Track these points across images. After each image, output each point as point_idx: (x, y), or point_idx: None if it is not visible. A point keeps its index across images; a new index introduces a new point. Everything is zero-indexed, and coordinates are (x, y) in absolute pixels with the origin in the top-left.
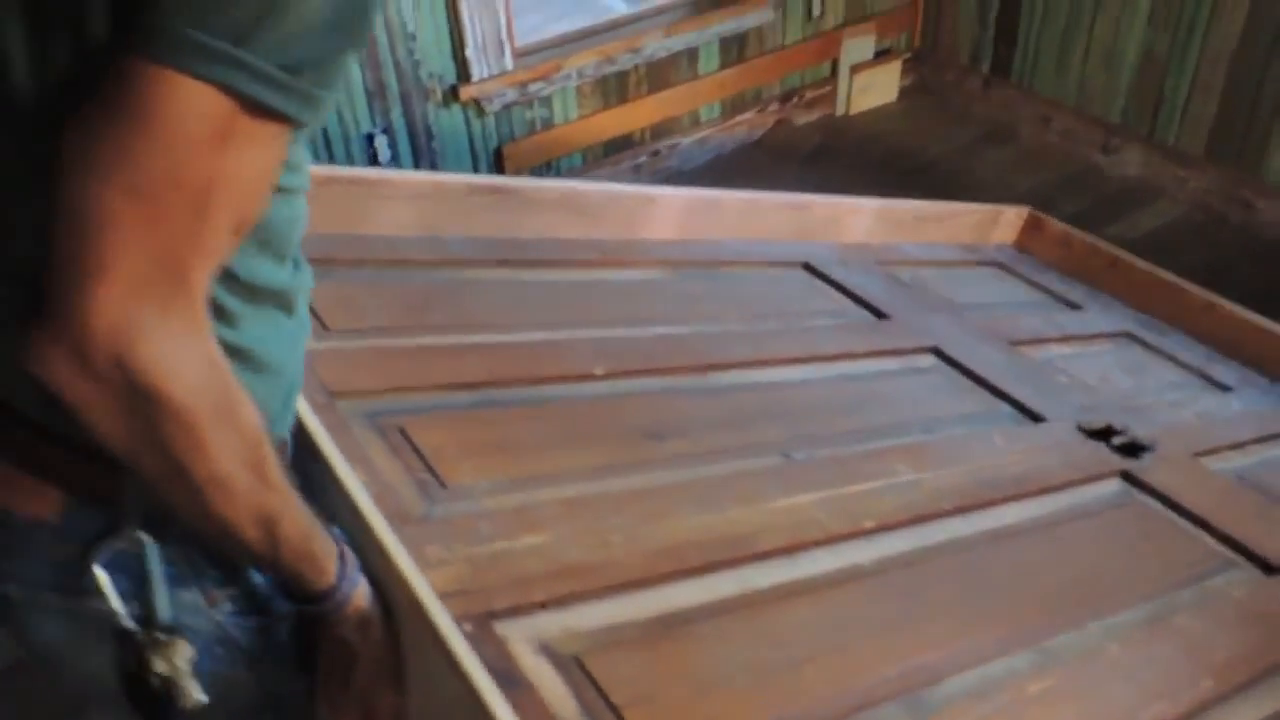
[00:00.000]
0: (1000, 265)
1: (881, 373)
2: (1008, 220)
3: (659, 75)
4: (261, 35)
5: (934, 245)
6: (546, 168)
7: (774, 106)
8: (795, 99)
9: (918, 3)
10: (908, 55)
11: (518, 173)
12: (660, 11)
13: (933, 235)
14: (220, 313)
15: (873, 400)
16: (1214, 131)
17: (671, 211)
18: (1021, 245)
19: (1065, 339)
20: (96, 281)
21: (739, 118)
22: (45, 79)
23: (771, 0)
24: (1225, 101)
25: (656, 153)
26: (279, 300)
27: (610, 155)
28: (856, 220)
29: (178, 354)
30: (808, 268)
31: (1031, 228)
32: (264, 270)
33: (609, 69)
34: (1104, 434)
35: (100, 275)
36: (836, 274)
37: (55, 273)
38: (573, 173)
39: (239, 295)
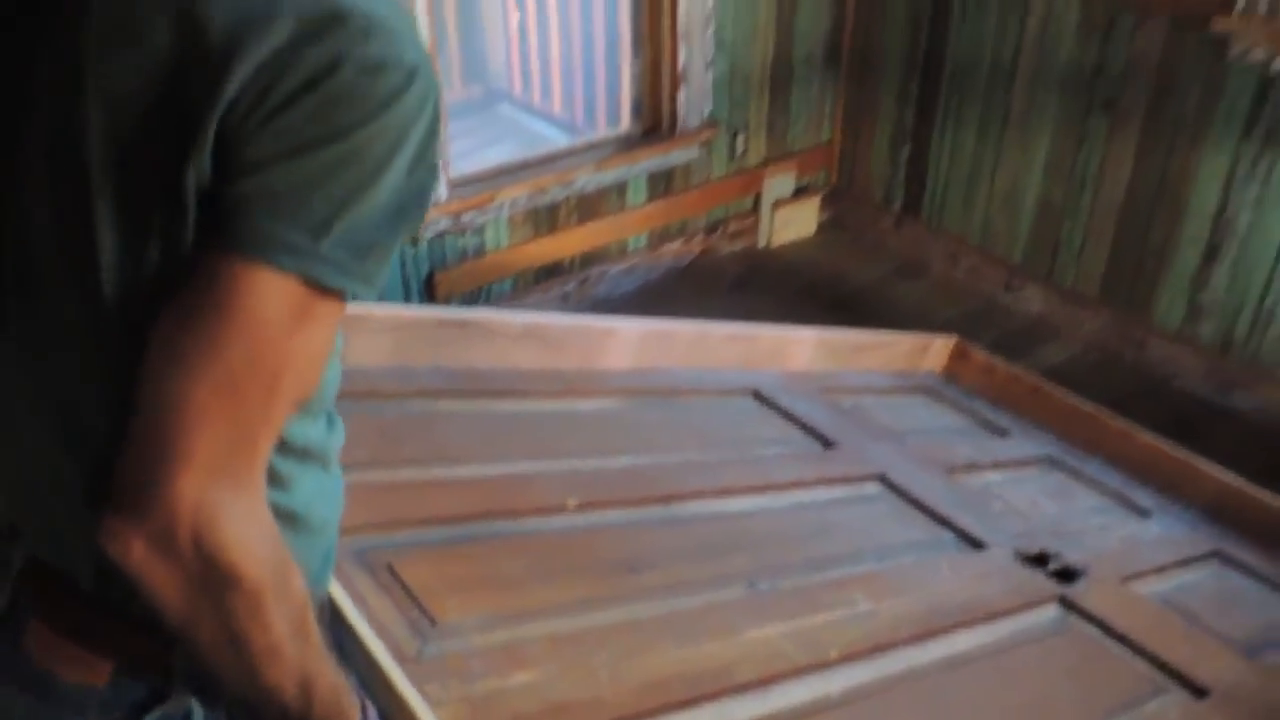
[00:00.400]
0: (931, 392)
1: (832, 501)
2: (936, 349)
3: (589, 206)
4: (335, 228)
5: (870, 373)
6: (477, 294)
7: (699, 237)
8: (719, 230)
9: (835, 144)
10: (826, 192)
11: (448, 298)
12: (592, 147)
13: (868, 363)
14: (272, 477)
15: (827, 529)
16: (1106, 275)
17: (628, 342)
18: (949, 373)
19: (996, 465)
20: (180, 468)
21: (665, 248)
22: (135, 280)
23: (698, 139)
24: (1115, 248)
25: (585, 280)
26: (321, 459)
27: (540, 282)
28: (799, 350)
29: (249, 530)
30: (756, 395)
31: (958, 356)
32: (310, 431)
33: (541, 200)
34: (1039, 560)
35: (184, 462)
36: (783, 401)
37: (137, 458)
38: (503, 299)
39: (290, 458)
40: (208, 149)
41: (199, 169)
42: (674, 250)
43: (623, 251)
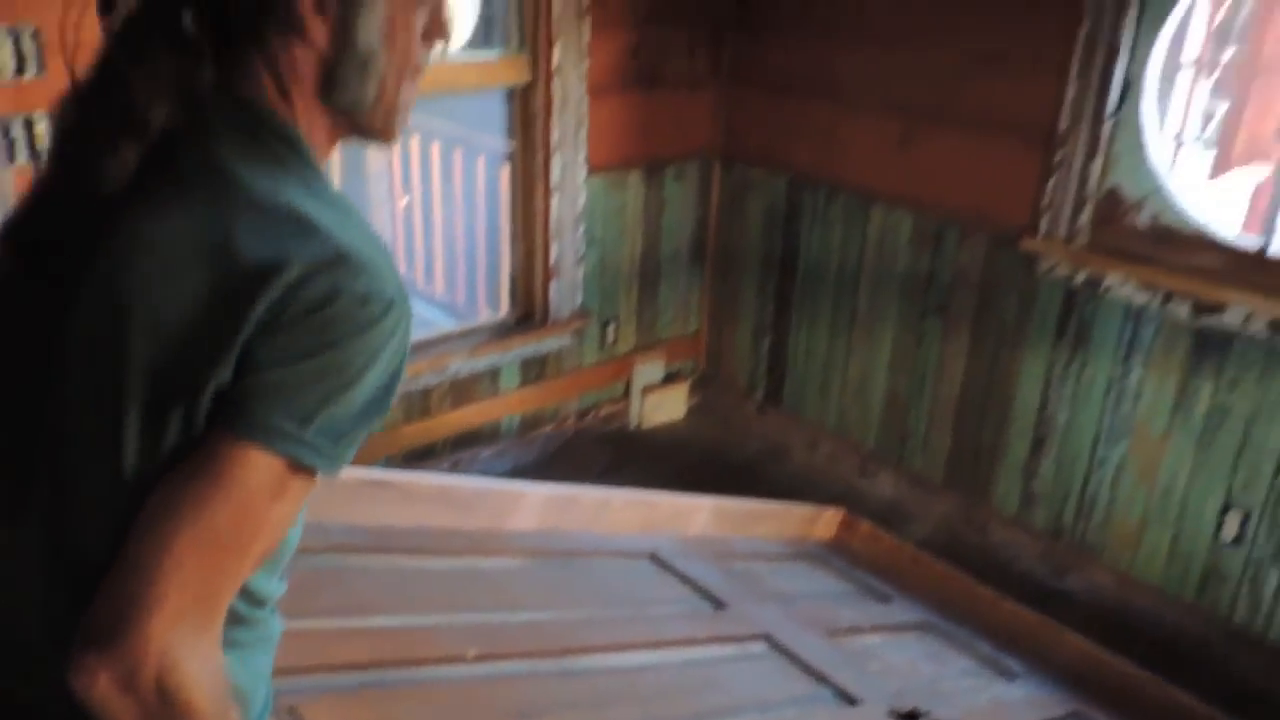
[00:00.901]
0: (818, 559)
1: (721, 658)
2: (826, 519)
3: (462, 391)
4: (318, 420)
5: (762, 540)
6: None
7: (571, 421)
8: (591, 414)
9: (702, 334)
10: (694, 379)
11: None
12: (466, 334)
13: (761, 531)
14: (229, 618)
15: (714, 684)
16: (949, 463)
17: (534, 505)
18: (837, 542)
19: (876, 629)
20: (152, 612)
21: (537, 432)
22: (153, 458)
23: (569, 328)
24: (956, 438)
25: (457, 463)
26: (270, 604)
27: (411, 464)
28: (696, 516)
29: (205, 670)
30: (654, 558)
31: (845, 527)
32: (266, 583)
33: (414, 385)
34: (911, 716)
35: (157, 607)
36: (679, 564)
37: (113, 599)
38: None
39: (246, 603)
40: (232, 363)
41: (220, 376)
42: (546, 433)
43: (495, 435)
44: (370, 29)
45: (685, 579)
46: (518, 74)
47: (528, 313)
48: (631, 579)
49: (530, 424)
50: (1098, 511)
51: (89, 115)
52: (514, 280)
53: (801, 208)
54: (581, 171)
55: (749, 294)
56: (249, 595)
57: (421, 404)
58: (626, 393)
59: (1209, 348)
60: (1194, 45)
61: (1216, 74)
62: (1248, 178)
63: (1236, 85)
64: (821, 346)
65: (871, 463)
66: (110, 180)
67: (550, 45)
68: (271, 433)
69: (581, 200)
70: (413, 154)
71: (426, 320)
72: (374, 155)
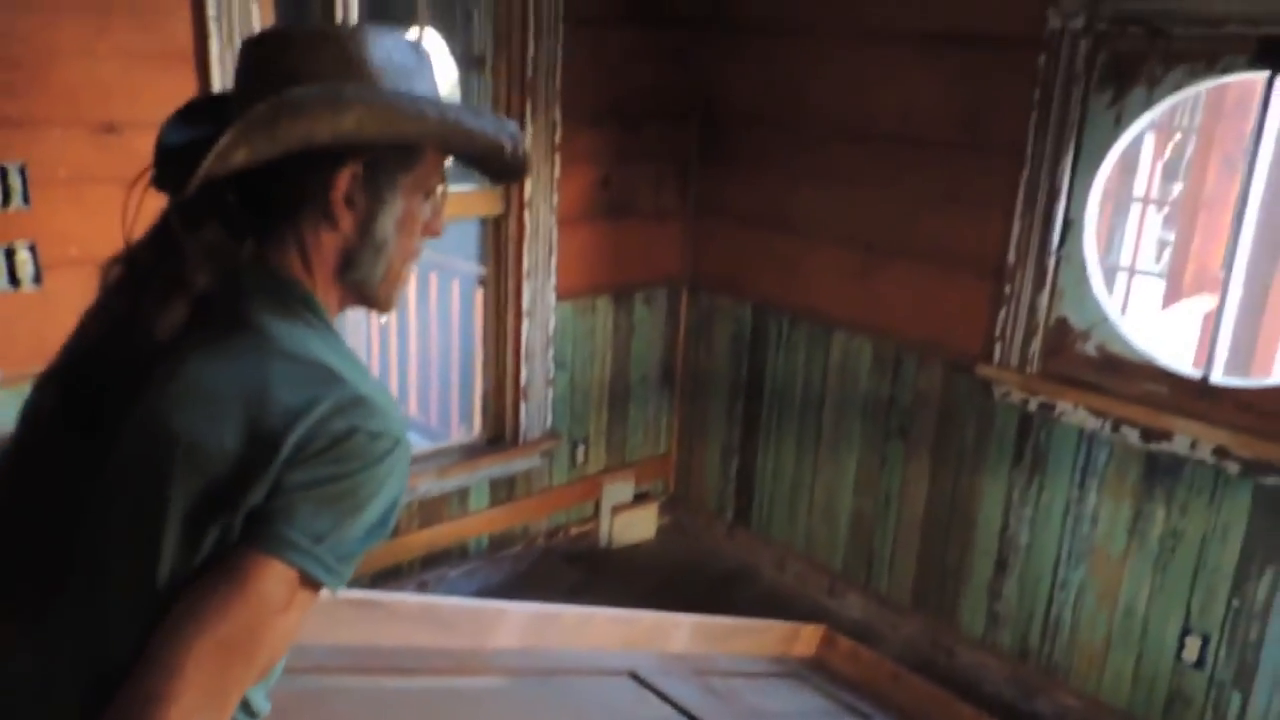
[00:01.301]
0: (799, 676)
1: None
2: (806, 636)
3: (431, 511)
4: (329, 539)
5: (742, 657)
6: None
7: (540, 541)
8: (561, 534)
9: (671, 455)
10: (664, 499)
11: None
12: (436, 454)
13: (741, 648)
14: None
15: None
16: (916, 584)
17: (517, 623)
18: (818, 658)
19: None
20: (169, 708)
21: (506, 551)
22: (187, 569)
23: (539, 449)
24: (921, 560)
25: (424, 583)
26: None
27: (377, 585)
28: (676, 633)
29: None
30: (634, 676)
31: (826, 643)
32: (259, 698)
33: None
34: None
35: (174, 703)
36: (659, 682)
37: (133, 695)
38: None
39: (244, 713)
40: (265, 489)
41: (253, 499)
42: (515, 553)
43: (463, 554)
44: (389, 223)
45: (665, 698)
46: (491, 206)
47: (498, 433)
48: (611, 697)
49: (499, 544)
50: (1063, 633)
51: (143, 274)
52: (485, 401)
53: (766, 333)
54: (552, 297)
55: (717, 416)
56: (245, 707)
57: None
58: (596, 512)
59: (1160, 472)
60: (1143, 181)
61: (1166, 209)
62: (1197, 307)
63: (1182, 220)
64: (788, 468)
65: (839, 583)
66: (163, 329)
67: (522, 180)
68: (288, 546)
69: (552, 324)
70: None
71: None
72: None
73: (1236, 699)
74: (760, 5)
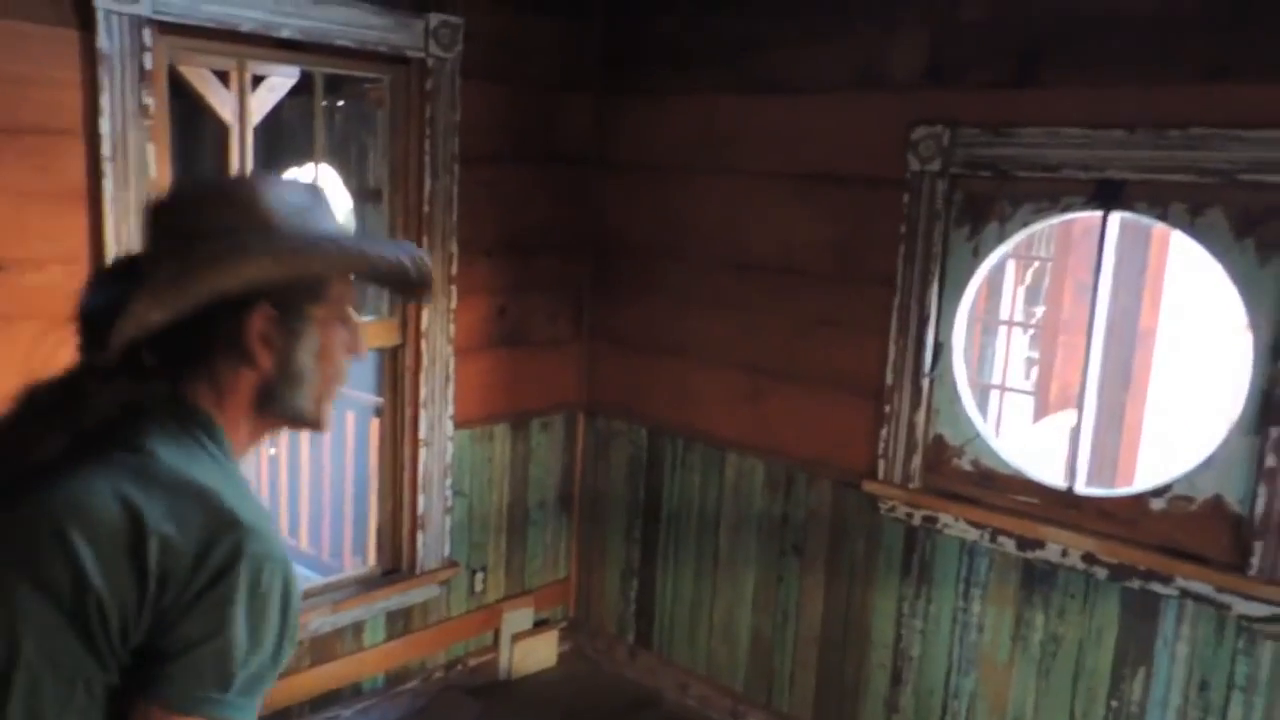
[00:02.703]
0: None
1: None
2: None
3: (323, 648)
4: (236, 682)
5: None
6: None
7: (439, 675)
8: (460, 666)
9: (571, 580)
10: (564, 624)
11: None
12: (329, 589)
13: None
14: None
15: None
16: (817, 700)
17: None
18: None
19: None
20: None
21: (403, 687)
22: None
23: (437, 578)
24: (820, 675)
25: None
26: None
27: None
28: None
29: None
30: None
31: None
32: None
33: None
34: None
35: None
36: None
37: None
38: None
39: None
40: (142, 621)
41: (130, 631)
42: (412, 689)
43: (357, 693)
44: (306, 355)
45: None
46: (388, 336)
47: (395, 564)
48: None
49: (396, 679)
50: None
51: (38, 409)
52: (381, 532)
53: (662, 456)
54: (449, 425)
55: (616, 539)
56: None
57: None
58: (496, 642)
59: (1037, 580)
60: (1008, 304)
61: (1031, 330)
62: (1064, 421)
63: (1044, 341)
64: (688, 588)
65: (742, 704)
66: (34, 461)
67: (419, 309)
68: (204, 703)
69: (449, 453)
70: None
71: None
72: None
73: None
74: (640, 147)
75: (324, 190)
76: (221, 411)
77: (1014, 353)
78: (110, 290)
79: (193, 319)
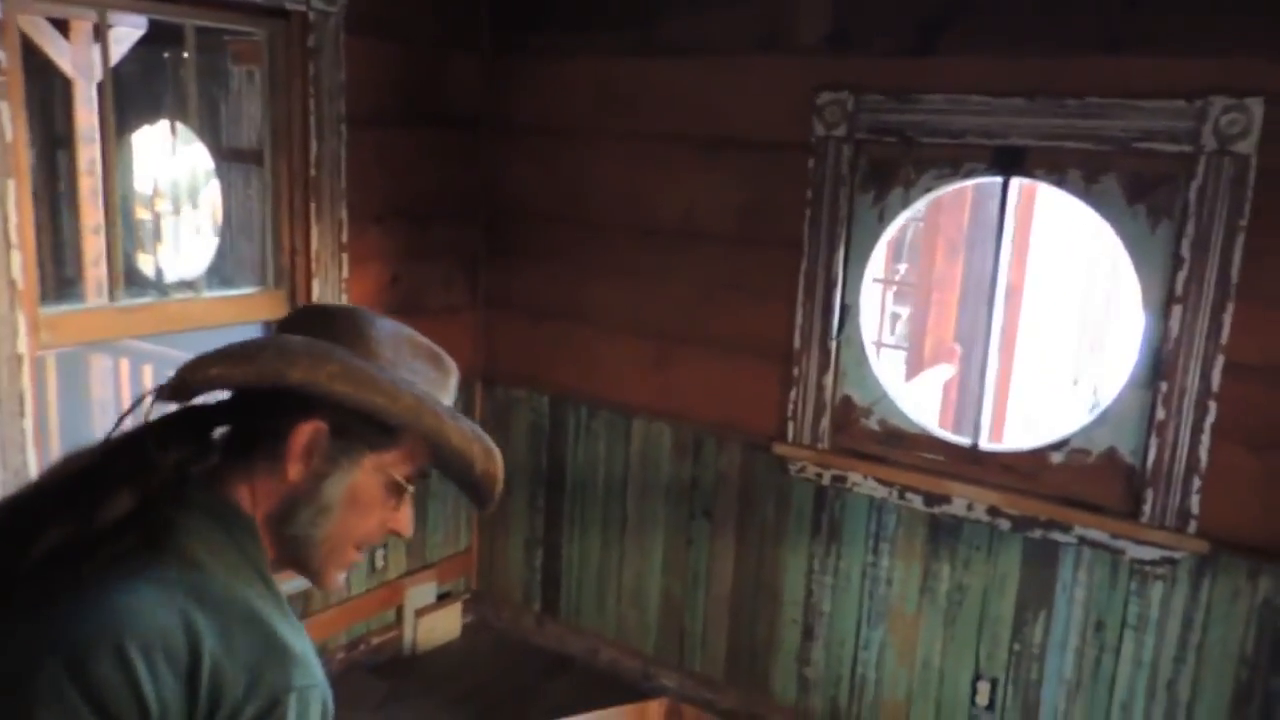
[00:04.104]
0: None
1: None
2: (652, 712)
3: None
4: None
5: None
6: None
7: (341, 655)
8: (362, 645)
9: (473, 551)
10: (467, 596)
11: None
12: None
13: None
14: None
15: None
16: (729, 659)
17: None
18: None
19: None
20: None
21: None
22: None
23: None
24: (732, 635)
25: None
26: None
27: None
28: None
29: None
30: None
31: (672, 715)
32: None
33: None
34: None
35: None
36: None
37: None
38: None
39: None
40: None
41: None
42: None
43: None
44: (337, 490)
45: None
46: (275, 308)
47: None
48: None
49: None
50: (868, 691)
51: (103, 468)
52: None
53: (565, 424)
54: None
55: (519, 509)
56: None
57: None
58: (399, 618)
59: (943, 533)
60: (878, 263)
61: (894, 287)
62: (937, 376)
63: (918, 299)
64: (595, 555)
65: (653, 666)
66: (103, 518)
67: (309, 280)
68: None
69: None
70: (146, 384)
71: None
72: (99, 381)
73: None
74: (536, 110)
75: (454, 370)
76: (257, 520)
77: (879, 309)
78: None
79: (254, 412)
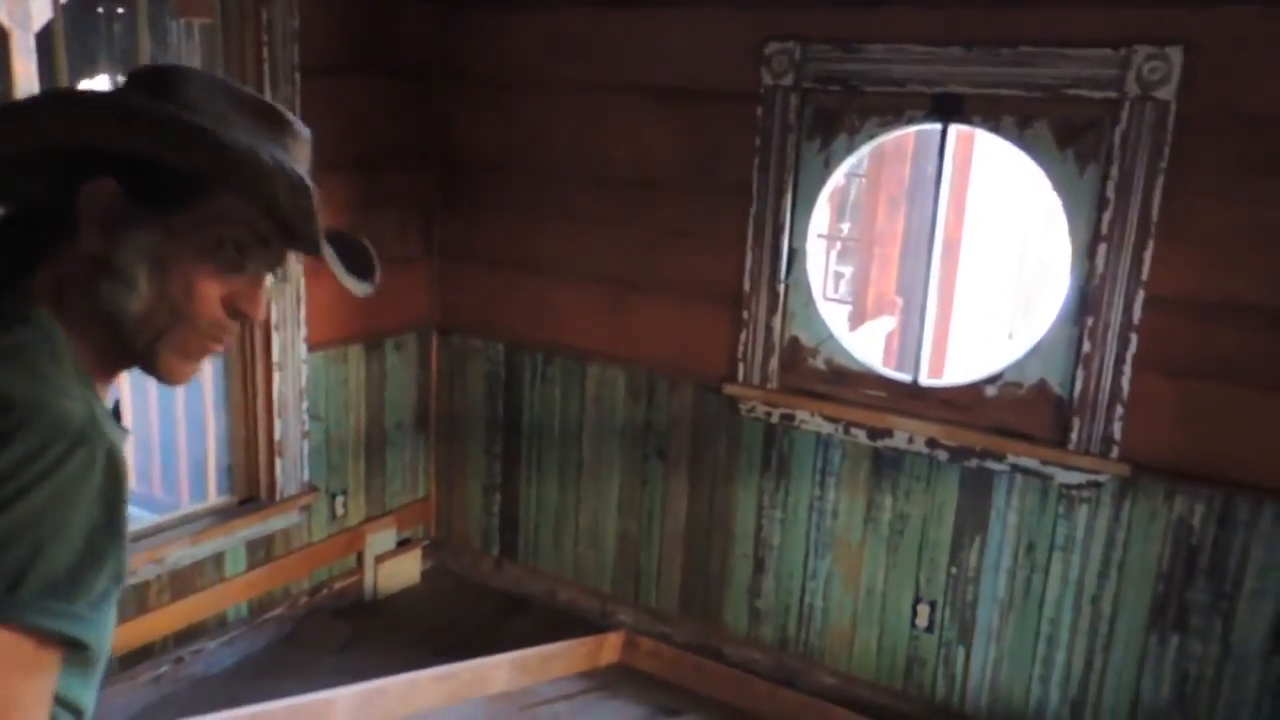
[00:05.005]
0: (610, 689)
1: None
2: (610, 644)
3: (183, 582)
4: (30, 579)
5: (560, 680)
6: None
7: (304, 600)
8: (324, 590)
9: (431, 498)
10: (426, 543)
11: None
12: (185, 520)
13: (556, 670)
14: None
15: None
16: (683, 594)
17: (346, 708)
18: (623, 664)
19: None
20: None
21: (269, 615)
22: None
23: (297, 504)
24: (686, 570)
25: (180, 659)
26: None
27: (126, 669)
28: (496, 673)
29: None
30: None
31: (629, 647)
32: (83, 693)
33: (129, 581)
34: None
35: None
36: None
37: None
38: None
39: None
40: None
41: None
42: (278, 616)
43: (222, 624)
44: (136, 253)
45: None
46: None
47: (252, 493)
48: None
49: (261, 607)
50: (816, 619)
51: None
52: (235, 461)
53: (520, 371)
54: (303, 348)
55: (476, 455)
56: (68, 706)
57: (137, 600)
58: (360, 564)
59: (886, 465)
60: (823, 221)
61: (838, 245)
62: (880, 327)
63: (861, 253)
64: (552, 498)
65: (610, 603)
66: None
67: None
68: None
69: (304, 376)
70: None
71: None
72: None
73: (961, 653)
74: (488, 60)
75: (301, 133)
76: (60, 302)
77: (823, 267)
78: None
79: (48, 187)
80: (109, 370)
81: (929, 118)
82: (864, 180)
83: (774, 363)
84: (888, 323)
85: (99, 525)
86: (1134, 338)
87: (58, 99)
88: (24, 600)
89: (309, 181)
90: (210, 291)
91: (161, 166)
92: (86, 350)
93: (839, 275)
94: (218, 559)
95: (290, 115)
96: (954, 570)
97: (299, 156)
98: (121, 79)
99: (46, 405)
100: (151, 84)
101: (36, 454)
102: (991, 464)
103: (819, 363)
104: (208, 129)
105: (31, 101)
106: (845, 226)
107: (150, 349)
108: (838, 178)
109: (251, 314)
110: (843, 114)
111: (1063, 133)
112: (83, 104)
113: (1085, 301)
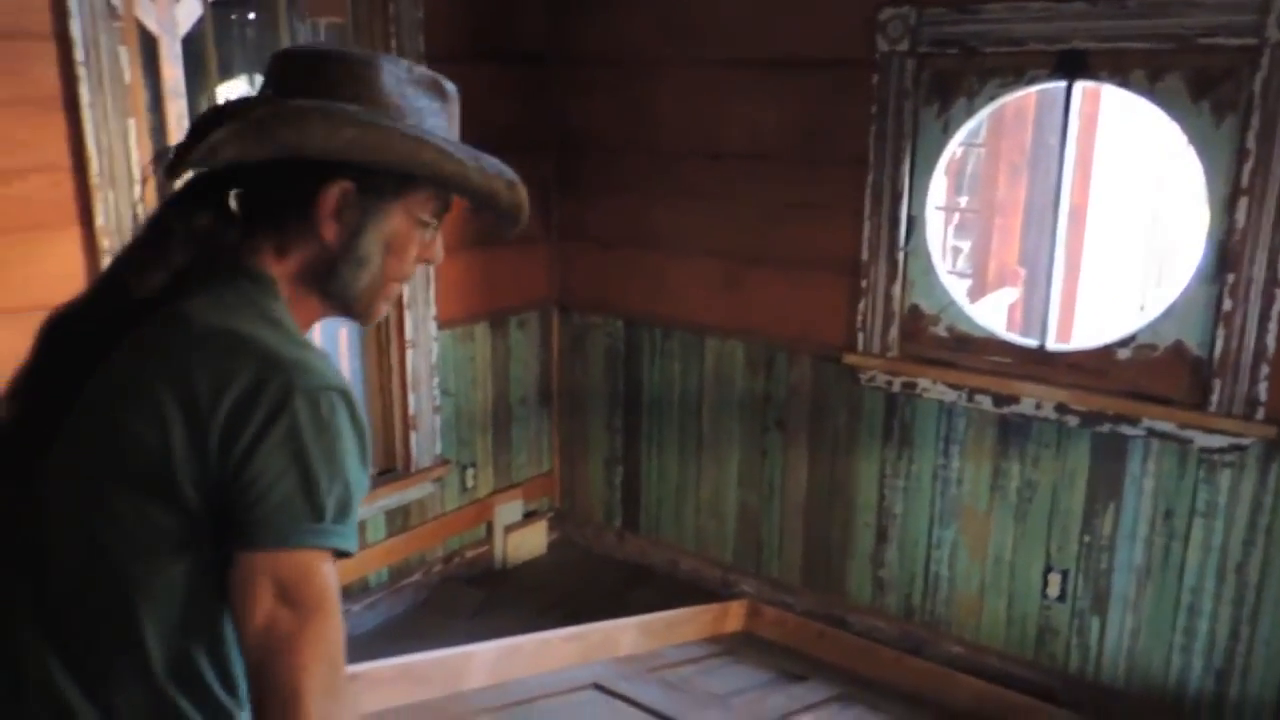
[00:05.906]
0: (736, 654)
1: None
2: (734, 611)
3: None
4: (329, 509)
5: (686, 645)
6: None
7: (438, 568)
8: (457, 559)
9: (555, 472)
10: (551, 515)
11: None
12: None
13: (682, 636)
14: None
15: None
16: (805, 564)
17: (484, 662)
18: (746, 631)
19: (805, 709)
20: (306, 686)
21: (406, 581)
22: (131, 540)
23: (431, 476)
24: (807, 541)
25: None
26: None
27: None
28: (624, 636)
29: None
30: (598, 687)
31: (753, 614)
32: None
33: None
34: None
35: (307, 688)
36: (621, 688)
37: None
38: None
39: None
40: (211, 468)
41: (195, 478)
42: (415, 582)
43: (365, 589)
44: (372, 241)
45: (632, 702)
46: None
47: (389, 465)
48: (584, 713)
49: (399, 574)
50: (942, 588)
51: (135, 248)
52: (374, 433)
53: (639, 346)
54: (433, 326)
55: (598, 429)
56: (225, 679)
57: None
58: (489, 534)
59: (1012, 432)
60: (940, 194)
61: (956, 218)
62: (1003, 298)
63: (981, 224)
64: (672, 471)
65: (732, 574)
66: (139, 289)
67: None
68: (302, 534)
69: (435, 353)
70: None
71: None
72: None
73: (1096, 623)
74: (603, 40)
75: (455, 95)
76: (283, 277)
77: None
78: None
79: (274, 179)
80: (307, 326)
81: (1052, 76)
82: (983, 151)
83: (894, 331)
84: (1010, 294)
85: (359, 460)
86: (1279, 293)
87: (292, 113)
88: (326, 527)
89: (516, 178)
90: (415, 252)
91: (389, 168)
92: (300, 309)
93: (957, 250)
94: (360, 526)
95: (446, 83)
96: (1087, 538)
97: (454, 114)
98: (289, 66)
99: (312, 363)
100: (348, 77)
101: (313, 410)
102: (1125, 429)
103: (940, 330)
104: (434, 160)
105: (268, 116)
106: (963, 200)
107: (370, 307)
108: (956, 143)
109: (437, 261)
110: (961, 77)
111: (1197, 84)
112: (318, 122)
113: (1225, 258)
